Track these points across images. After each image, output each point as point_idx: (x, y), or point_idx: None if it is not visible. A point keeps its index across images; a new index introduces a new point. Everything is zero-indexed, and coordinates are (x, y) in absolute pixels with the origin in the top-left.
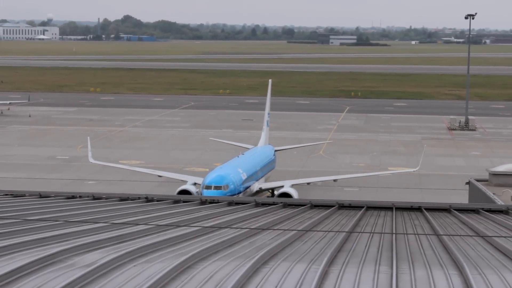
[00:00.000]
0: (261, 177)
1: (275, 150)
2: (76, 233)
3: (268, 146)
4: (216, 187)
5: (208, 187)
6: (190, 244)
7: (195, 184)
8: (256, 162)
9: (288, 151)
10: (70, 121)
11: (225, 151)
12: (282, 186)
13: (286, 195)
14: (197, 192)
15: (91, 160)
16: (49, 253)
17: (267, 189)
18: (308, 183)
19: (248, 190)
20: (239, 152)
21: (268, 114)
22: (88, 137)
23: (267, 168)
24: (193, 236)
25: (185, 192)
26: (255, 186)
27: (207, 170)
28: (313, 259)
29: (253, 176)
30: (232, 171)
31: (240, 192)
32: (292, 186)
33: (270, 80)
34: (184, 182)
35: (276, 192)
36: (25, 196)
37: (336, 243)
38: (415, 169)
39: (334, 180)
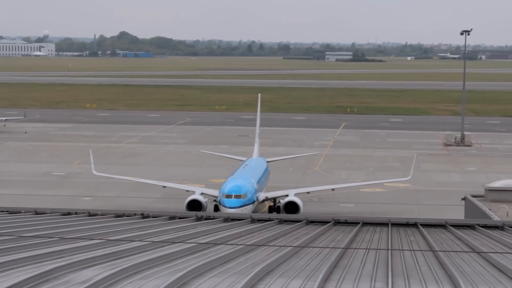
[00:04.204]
0: (264, 187)
1: (267, 162)
2: (72, 249)
3: (261, 158)
4: (236, 196)
5: (228, 196)
6: (185, 261)
7: (202, 194)
8: (259, 172)
9: (284, 167)
10: (66, 137)
11: (220, 166)
12: (287, 195)
13: (292, 203)
14: (206, 201)
15: (94, 172)
16: (44, 270)
17: (272, 198)
18: (308, 192)
19: (256, 200)
20: (233, 166)
21: (259, 127)
22: (91, 150)
23: (267, 178)
24: (188, 253)
25: (195, 202)
26: (262, 196)
27: (203, 186)
28: (309, 275)
29: (261, 186)
30: (246, 181)
31: (254, 202)
32: (296, 195)
33: (259, 95)
34: (191, 192)
35: (281, 201)
36: (21, 212)
37: (331, 259)
38: (407, 178)
39: (332, 190)
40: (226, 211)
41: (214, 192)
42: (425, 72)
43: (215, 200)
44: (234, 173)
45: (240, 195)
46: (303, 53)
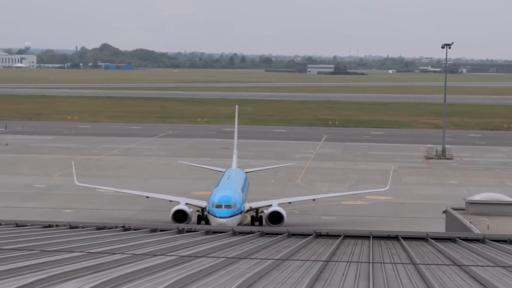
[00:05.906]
0: (247, 197)
1: (246, 172)
2: (52, 262)
3: (239, 169)
4: (227, 206)
5: (219, 206)
6: (167, 274)
7: (186, 204)
8: (242, 183)
9: (265, 180)
10: (47, 149)
11: (202, 179)
12: (270, 205)
13: (276, 213)
14: (191, 211)
15: (77, 183)
16: (25, 282)
17: (256, 209)
18: (289, 203)
19: (244, 209)
20: (215, 179)
21: (237, 138)
22: (73, 161)
23: (248, 189)
24: (170, 265)
25: (180, 212)
26: (246, 206)
27: (185, 198)
28: None
29: (245, 196)
30: (234, 191)
31: (242, 211)
32: (279, 205)
33: (236, 106)
34: (175, 203)
35: (265, 211)
36: (1, 225)
37: (313, 272)
38: (385, 189)
39: (313, 200)
40: (216, 221)
41: (198, 203)
42: (407, 85)
43: (198, 211)
44: (219, 184)
45: (230, 205)
46: (285, 65)
